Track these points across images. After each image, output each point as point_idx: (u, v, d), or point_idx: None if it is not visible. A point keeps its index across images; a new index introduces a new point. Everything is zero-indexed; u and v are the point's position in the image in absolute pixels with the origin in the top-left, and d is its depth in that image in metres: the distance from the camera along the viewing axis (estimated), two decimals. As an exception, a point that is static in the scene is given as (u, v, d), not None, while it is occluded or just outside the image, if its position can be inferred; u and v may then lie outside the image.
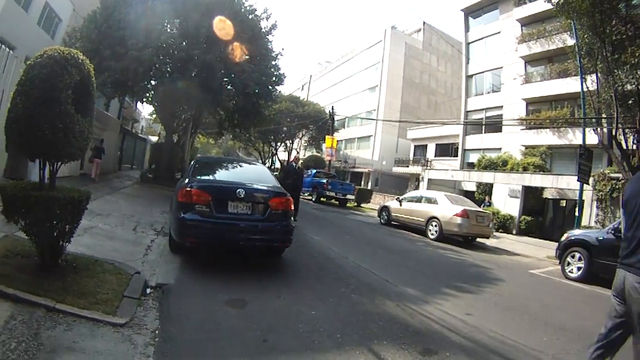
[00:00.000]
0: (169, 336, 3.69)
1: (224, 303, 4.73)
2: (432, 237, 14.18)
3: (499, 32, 32.70)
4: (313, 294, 5.59)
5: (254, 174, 7.89)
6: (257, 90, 20.22)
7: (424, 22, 52.40)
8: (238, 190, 6.31)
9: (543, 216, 25.21)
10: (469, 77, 35.80)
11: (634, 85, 13.28)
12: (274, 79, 22.30)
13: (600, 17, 12.82)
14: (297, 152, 49.25)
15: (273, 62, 22.15)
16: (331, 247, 9.49)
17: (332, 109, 35.63)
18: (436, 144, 39.19)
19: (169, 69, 18.07)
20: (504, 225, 23.94)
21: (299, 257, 7.78)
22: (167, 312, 4.26)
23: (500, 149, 30.53)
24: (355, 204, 28.17)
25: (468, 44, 36.23)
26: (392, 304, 5.57)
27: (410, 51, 50.20)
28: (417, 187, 33.87)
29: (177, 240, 6.39)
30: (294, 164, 13.60)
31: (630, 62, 12.49)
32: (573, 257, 10.38)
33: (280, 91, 32.93)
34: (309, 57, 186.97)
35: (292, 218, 7.01)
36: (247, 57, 19.15)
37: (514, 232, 23.97)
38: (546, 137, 26.64)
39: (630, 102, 13.70)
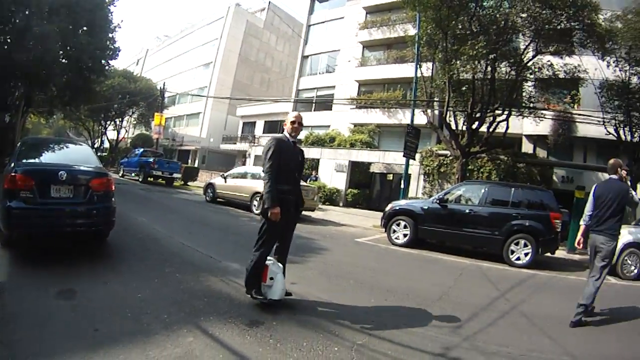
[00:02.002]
0: None
1: (54, 296, 4.44)
2: (256, 212, 14.20)
3: (342, 17, 34.14)
4: (138, 276, 5.47)
5: (77, 155, 7.36)
6: (90, 65, 19.06)
7: (269, 2, 52.81)
8: (60, 172, 5.94)
9: (370, 189, 27.02)
10: (304, 57, 36.94)
11: (469, 74, 14.96)
12: (108, 52, 21.02)
13: (447, 12, 14.01)
14: (126, 132, 46.05)
15: (110, 35, 20.86)
16: (156, 228, 9.21)
17: (164, 85, 34.24)
18: (265, 121, 39.63)
19: (8, 40, 16.33)
20: (331, 198, 25.14)
21: (125, 240, 7.44)
22: (-3, 314, 3.84)
23: (329, 126, 32.00)
24: (182, 182, 27.51)
25: (309, 26, 37.28)
26: (216, 280, 5.62)
27: (251, 29, 50.26)
28: (244, 164, 33.95)
29: (5, 232, 5.86)
30: None
31: (468, 54, 13.86)
32: (399, 225, 11.23)
33: (113, 66, 31.08)
34: (148, 30, 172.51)
35: None
36: (85, 28, 17.97)
37: (341, 204, 25.33)
38: (376, 116, 28.66)
39: (464, 88, 15.54)
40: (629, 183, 5.95)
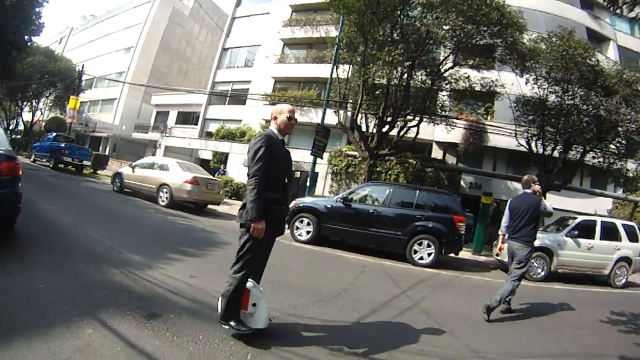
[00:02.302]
0: None
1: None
2: (162, 203, 13.62)
3: (268, 13, 33.56)
4: (42, 267, 5.06)
5: None
6: (12, 39, 17.69)
7: (199, -11, 50.79)
8: None
9: None
10: (225, 49, 35.93)
11: (384, 80, 15.10)
12: (33, 28, 19.43)
13: (370, 17, 13.96)
14: (42, 114, 42.72)
15: (37, 9, 19.23)
16: (62, 217, 8.60)
17: (83, 67, 31.81)
18: (178, 112, 38.38)
19: None
20: (237, 193, 24.43)
21: (31, 229, 6.90)
22: None
23: (241, 120, 31.40)
24: (92, 170, 25.80)
25: (234, 18, 36.30)
26: (117, 272, 5.33)
27: (176, 16, 48.48)
28: (154, 154, 32.59)
29: None
30: None
31: (384, 59, 13.85)
32: (302, 222, 11.08)
33: (36, 43, 28.82)
34: (75, 8, 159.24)
35: None
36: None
37: (248, 200, 24.61)
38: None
39: (377, 92, 15.69)
40: (541, 197, 6.75)
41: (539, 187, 6.81)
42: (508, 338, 5.42)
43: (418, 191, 11.22)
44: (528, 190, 6.67)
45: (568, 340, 5.70)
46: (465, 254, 13.47)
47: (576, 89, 14.92)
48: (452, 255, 11.17)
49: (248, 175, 3.86)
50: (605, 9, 27.22)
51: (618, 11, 4.92)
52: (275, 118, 4.19)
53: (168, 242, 8.08)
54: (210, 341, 3.67)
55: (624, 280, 11.92)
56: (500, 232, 6.96)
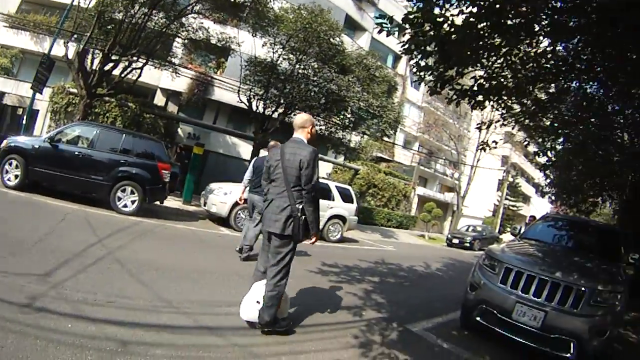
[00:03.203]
0: None
1: None
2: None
3: None
4: None
5: None
6: None
7: None
8: None
9: (1, 124, 22.70)
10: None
11: (120, 15, 14.14)
12: None
13: None
14: None
15: None
16: None
17: None
18: None
19: None
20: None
21: None
22: None
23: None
24: None
25: None
26: None
27: None
28: None
29: None
30: None
31: None
32: (11, 165, 9.75)
33: None
34: None
35: None
36: None
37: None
38: (25, 40, 23.69)
39: (110, 27, 14.54)
40: None
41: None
42: (206, 287, 5.52)
43: (124, 135, 10.63)
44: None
45: None
46: (175, 203, 13.70)
47: (311, 61, 16.05)
48: (159, 203, 11.20)
49: (304, 188, 4.11)
50: (372, 5, 30.34)
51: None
52: (306, 128, 4.45)
53: None
54: None
55: (338, 236, 13.64)
56: (242, 184, 8.31)
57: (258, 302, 4.26)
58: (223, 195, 11.51)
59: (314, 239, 4.37)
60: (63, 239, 6.40)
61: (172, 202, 13.54)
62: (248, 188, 8.01)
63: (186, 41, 17.41)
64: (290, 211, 4.13)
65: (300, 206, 4.14)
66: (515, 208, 46.70)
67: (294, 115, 17.42)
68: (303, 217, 4.15)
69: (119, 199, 9.89)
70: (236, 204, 11.05)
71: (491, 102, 6.17)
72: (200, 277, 5.94)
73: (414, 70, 5.33)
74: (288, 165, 4.19)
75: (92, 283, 4.59)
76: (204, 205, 12.13)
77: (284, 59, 16.48)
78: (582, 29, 5.29)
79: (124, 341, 3.40)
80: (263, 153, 17.67)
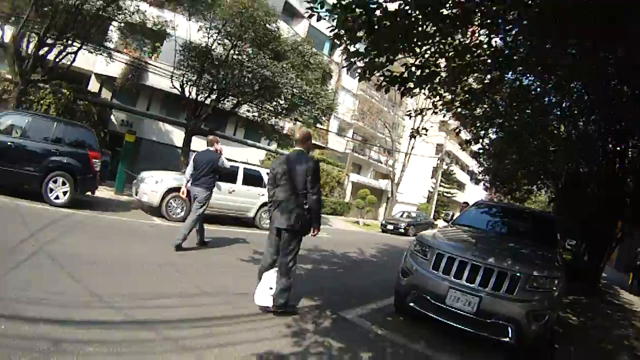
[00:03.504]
0: None
1: None
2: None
3: None
4: None
5: None
6: None
7: None
8: None
9: None
10: None
11: None
12: None
13: None
14: None
15: None
16: None
17: None
18: None
19: None
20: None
21: None
22: None
23: None
24: None
25: None
26: None
27: None
28: None
29: None
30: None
31: None
32: None
33: None
34: None
35: None
36: None
37: None
38: None
39: (46, 9, 13.71)
40: (221, 154, 8.34)
41: (221, 147, 8.45)
42: (138, 280, 5.42)
43: (56, 123, 10.18)
44: (211, 148, 8.25)
45: (205, 279, 6.06)
46: (108, 193, 13.34)
47: (247, 47, 15.74)
48: (90, 194, 10.88)
49: (312, 191, 4.99)
50: None
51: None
52: (307, 142, 5.31)
53: None
54: None
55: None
56: (185, 178, 8.41)
57: (271, 288, 5.00)
58: (154, 184, 11.25)
59: (316, 232, 5.23)
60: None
61: (104, 192, 13.21)
62: (189, 181, 8.23)
63: (122, 25, 16.79)
64: (298, 211, 4.96)
65: (306, 206, 4.99)
66: (449, 195, 47.93)
67: (227, 101, 17.44)
68: (308, 215, 5.04)
69: (51, 190, 9.52)
70: (168, 192, 11.01)
71: (422, 90, 6.18)
72: (132, 270, 5.89)
73: (345, 56, 5.29)
74: (296, 174, 4.98)
75: (25, 280, 4.48)
76: (136, 195, 11.83)
77: (219, 44, 16.11)
78: (520, 21, 5.36)
79: (57, 340, 3.34)
80: (196, 141, 17.47)
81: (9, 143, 9.28)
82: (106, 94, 22.42)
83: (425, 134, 7.84)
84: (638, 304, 12.17)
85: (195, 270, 6.56)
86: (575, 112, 10.81)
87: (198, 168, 8.04)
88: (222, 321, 4.52)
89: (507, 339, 4.66)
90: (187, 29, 16.53)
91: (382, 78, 5.46)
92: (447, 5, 4.82)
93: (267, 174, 11.69)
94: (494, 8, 5.01)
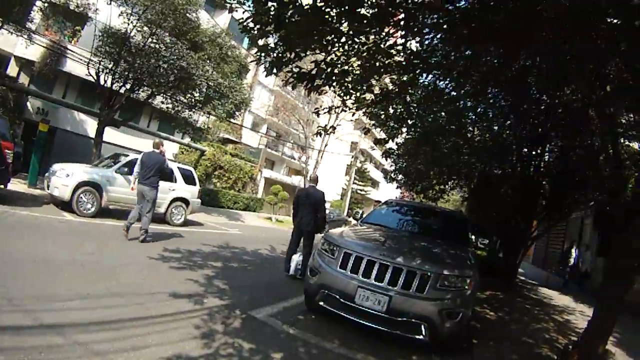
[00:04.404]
0: None
1: None
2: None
3: None
4: None
5: None
6: None
7: None
8: None
9: None
10: None
11: None
12: None
13: None
14: None
15: None
16: None
17: None
18: None
19: None
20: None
21: None
22: None
23: None
24: None
25: None
26: None
27: None
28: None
29: None
30: None
31: None
32: None
33: None
34: None
35: None
36: None
37: None
38: None
39: None
40: (165, 156, 9.44)
41: (164, 149, 9.63)
42: (47, 281, 5.15)
43: None
44: (157, 150, 9.23)
45: (114, 279, 5.83)
46: (21, 187, 12.68)
47: (165, 35, 15.30)
48: (2, 187, 10.17)
49: (321, 211, 9.08)
50: None
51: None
52: (316, 181, 9.38)
53: None
54: None
55: (181, 219, 13.13)
56: (133, 176, 9.25)
57: (298, 264, 8.53)
58: (65, 177, 10.67)
59: (322, 233, 7.35)
60: None
61: (17, 185, 12.49)
62: (137, 179, 8.97)
63: (46, 4, 15.81)
64: (314, 221, 8.66)
65: (317, 218, 8.74)
66: (363, 192, 49.31)
67: (142, 92, 16.99)
68: (317, 224, 8.76)
69: (-40, 184, 8.70)
70: (78, 186, 10.60)
71: (332, 88, 6.18)
72: (41, 269, 5.57)
73: (254, 51, 5.19)
74: (313, 200, 8.71)
75: None
76: (47, 189, 11.21)
77: (138, 31, 15.49)
78: (439, 26, 5.38)
79: None
80: (109, 132, 16.99)
81: None
82: (24, 80, 20.99)
83: (333, 132, 7.86)
84: (557, 298, 12.77)
85: (104, 269, 6.32)
86: (490, 116, 11.23)
87: (146, 168, 8.90)
88: (131, 323, 4.35)
89: (421, 337, 4.75)
90: (108, 13, 15.73)
91: (289, 74, 5.38)
92: (366, 4, 4.78)
93: (178, 168, 12.17)
94: (412, 11, 4.99)
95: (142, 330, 4.23)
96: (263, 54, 5.19)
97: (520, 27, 4.48)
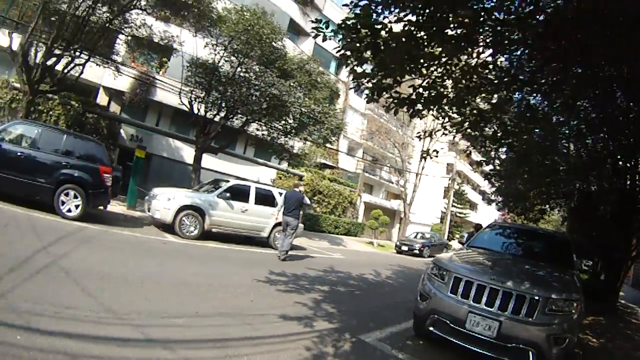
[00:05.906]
0: None
1: None
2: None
3: None
4: None
5: None
6: None
7: None
8: None
9: None
10: None
11: (64, 5, 13.38)
12: None
13: None
14: None
15: None
16: None
17: None
18: None
19: None
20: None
21: None
22: None
23: None
24: None
25: None
26: None
27: None
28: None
29: None
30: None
31: None
32: None
33: None
34: None
35: None
36: None
37: None
38: None
39: (54, 19, 13.81)
40: (304, 194, 11.96)
41: (303, 187, 12.46)
42: (154, 298, 5.36)
43: (66, 135, 10.13)
44: (297, 189, 11.79)
45: (221, 299, 6.01)
46: (120, 208, 13.35)
47: (253, 64, 15.75)
48: (102, 208, 10.83)
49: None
50: (317, 10, 30.13)
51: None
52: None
53: None
54: None
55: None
56: (277, 210, 12.10)
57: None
58: (166, 201, 11.21)
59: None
60: (7, 245, 6.15)
61: (116, 207, 13.19)
62: (282, 212, 11.35)
63: (129, 38, 16.76)
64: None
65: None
66: (462, 215, 47.58)
67: (236, 119, 17.37)
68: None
69: (63, 202, 9.43)
70: (180, 210, 11.05)
71: (431, 112, 6.15)
72: (146, 287, 5.82)
73: (351, 77, 5.29)
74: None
75: (39, 293, 4.45)
76: (148, 211, 11.80)
77: (225, 60, 16.11)
78: (525, 41, 5.33)
79: (74, 354, 3.32)
80: (207, 158, 17.75)
81: (18, 153, 9.18)
82: (115, 108, 22.36)
83: (436, 156, 7.72)
84: (659, 324, 11.82)
85: (211, 290, 6.51)
86: (584, 129, 10.77)
87: (289, 203, 11.18)
88: (240, 342, 4.47)
89: (528, 364, 4.56)
90: (193, 45, 16.61)
91: (390, 100, 5.44)
92: (452, 26, 4.81)
93: (279, 194, 13.49)
94: (498, 28, 4.96)
95: (252, 349, 4.33)
96: (361, 80, 5.29)
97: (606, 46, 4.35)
